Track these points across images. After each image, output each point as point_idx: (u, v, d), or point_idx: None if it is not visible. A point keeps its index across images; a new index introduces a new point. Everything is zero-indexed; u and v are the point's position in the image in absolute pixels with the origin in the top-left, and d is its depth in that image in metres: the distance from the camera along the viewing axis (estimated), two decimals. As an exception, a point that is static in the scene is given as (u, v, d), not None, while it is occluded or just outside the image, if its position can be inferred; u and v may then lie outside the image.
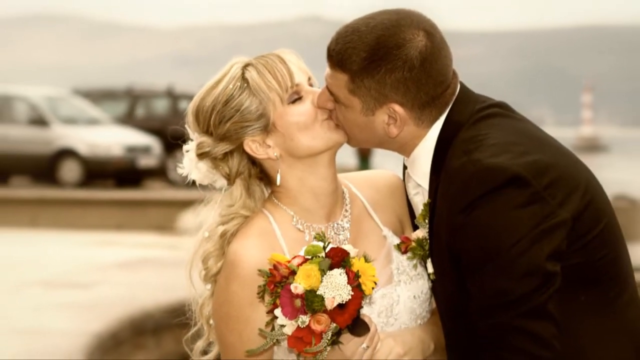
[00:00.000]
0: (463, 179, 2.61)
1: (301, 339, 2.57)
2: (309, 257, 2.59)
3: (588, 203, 2.64)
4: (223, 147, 2.83)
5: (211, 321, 2.86)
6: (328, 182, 2.83)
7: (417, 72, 2.67)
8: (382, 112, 2.71)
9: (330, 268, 2.57)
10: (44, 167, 23.35)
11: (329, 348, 2.58)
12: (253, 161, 2.85)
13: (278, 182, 2.83)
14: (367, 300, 2.67)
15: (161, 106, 27.00)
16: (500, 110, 2.75)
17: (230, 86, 2.80)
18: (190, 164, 2.88)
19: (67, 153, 23.29)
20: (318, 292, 2.55)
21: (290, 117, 2.78)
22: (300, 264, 2.58)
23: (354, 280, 2.57)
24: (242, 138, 2.81)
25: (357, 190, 2.92)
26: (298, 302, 2.56)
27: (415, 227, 2.86)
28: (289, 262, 2.60)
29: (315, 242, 2.62)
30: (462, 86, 2.77)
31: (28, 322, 10.91)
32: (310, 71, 2.85)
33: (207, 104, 2.82)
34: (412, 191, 2.86)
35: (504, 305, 2.55)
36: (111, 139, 23.57)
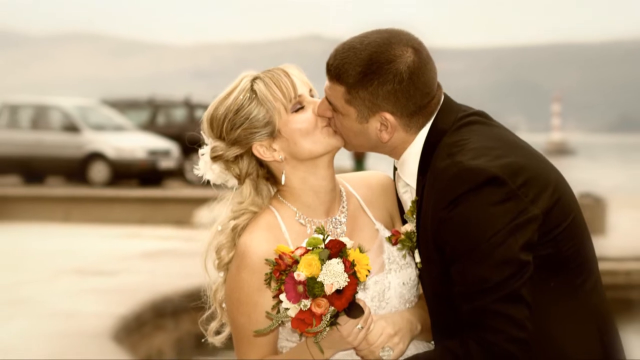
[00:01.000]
0: (447, 178, 2.61)
1: (303, 321, 2.56)
2: (310, 248, 2.59)
3: (557, 200, 2.64)
4: (234, 151, 2.82)
5: (223, 305, 2.85)
6: (327, 182, 2.83)
7: (406, 84, 2.67)
8: (375, 120, 2.71)
9: (329, 258, 2.57)
10: (75, 169, 23.35)
11: (327, 328, 2.58)
12: (260, 163, 2.84)
13: (283, 182, 2.82)
14: (362, 287, 2.67)
15: (179, 115, 27.00)
16: (480, 118, 2.75)
17: (241, 97, 2.80)
18: (205, 166, 2.88)
19: (96, 156, 23.29)
20: (318, 279, 2.54)
21: (294, 124, 2.78)
22: (303, 254, 2.58)
23: (350, 268, 2.56)
24: (251, 143, 2.80)
25: (352, 189, 2.92)
26: (300, 288, 2.56)
27: (404, 222, 2.86)
28: (292, 252, 2.59)
29: (315, 235, 2.62)
30: (446, 97, 2.76)
31: (63, 305, 10.92)
32: (311, 83, 2.84)
33: (220, 113, 2.82)
34: (401, 190, 2.85)
35: (483, 290, 2.54)
36: (135, 143, 23.56)
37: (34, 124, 24.09)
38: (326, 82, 2.74)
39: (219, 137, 2.83)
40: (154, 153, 23.50)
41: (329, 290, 2.54)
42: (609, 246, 15.99)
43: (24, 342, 9.24)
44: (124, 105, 27.09)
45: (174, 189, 23.41)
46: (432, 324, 2.76)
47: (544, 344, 2.61)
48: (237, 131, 2.80)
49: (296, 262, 2.57)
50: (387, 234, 2.84)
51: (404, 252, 2.81)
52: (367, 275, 2.58)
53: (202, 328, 2.95)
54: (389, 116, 2.69)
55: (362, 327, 2.62)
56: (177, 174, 24.18)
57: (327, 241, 2.60)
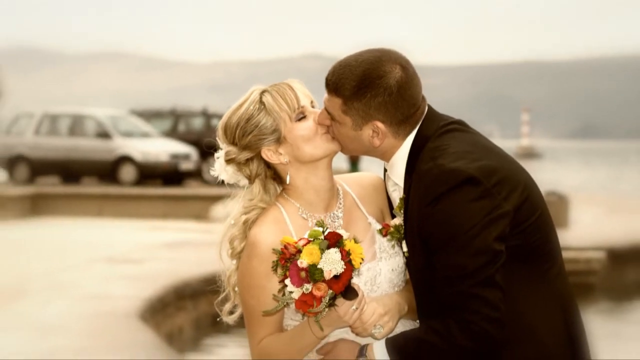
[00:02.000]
0: (430, 179, 2.61)
1: (305, 302, 2.56)
2: (311, 239, 2.58)
3: (526, 198, 2.63)
4: (245, 155, 2.82)
5: (236, 289, 2.85)
6: (326, 181, 2.82)
7: (394, 97, 2.66)
8: (368, 127, 2.70)
9: (328, 248, 2.56)
10: (107, 170, 23.33)
11: (326, 309, 2.57)
12: (268, 165, 2.84)
13: (287, 182, 2.82)
14: (356, 273, 2.66)
15: (197, 123, 26.96)
16: (459, 126, 2.74)
17: (251, 108, 2.79)
18: (220, 168, 2.87)
19: (125, 159, 23.26)
20: (318, 266, 2.54)
21: (297, 132, 2.77)
22: (305, 245, 2.57)
23: (346, 257, 2.56)
24: (260, 147, 2.80)
25: (348, 188, 2.91)
26: (303, 274, 2.55)
27: (393, 216, 2.85)
28: (296, 243, 2.59)
29: (316, 228, 2.61)
30: (429, 107, 2.76)
31: (96, 289, 10.92)
32: (312, 96, 2.84)
33: (233, 122, 2.81)
34: (390, 188, 2.85)
35: (462, 276, 2.54)
36: (159, 148, 23.55)
37: (71, 131, 24.08)
38: (325, 95, 2.74)
39: (232, 142, 2.83)
40: (175, 156, 23.49)
41: (327, 275, 2.54)
42: (571, 237, 16.00)
43: (63, 321, 9.24)
44: (149, 115, 27.07)
45: (193, 188, 23.40)
46: (417, 305, 2.75)
47: (515, 322, 2.60)
48: (248, 137, 2.79)
49: (299, 251, 2.57)
50: (378, 226, 2.84)
51: (392, 242, 2.81)
52: (360, 263, 2.57)
53: (218, 309, 2.94)
54: (380, 124, 2.69)
55: (357, 308, 2.62)
56: (196, 174, 24.16)
57: (326, 233, 2.59)
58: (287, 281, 2.56)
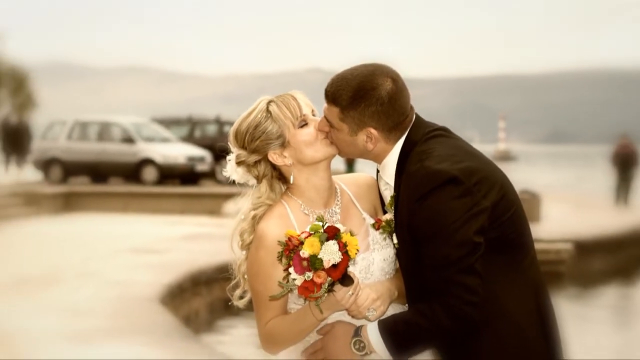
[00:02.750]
0: (417, 178, 2.60)
1: (307, 288, 2.55)
2: (312, 232, 2.58)
3: (502, 196, 2.63)
4: (254, 158, 2.81)
5: (246, 276, 2.84)
6: (325, 181, 2.82)
7: (386, 106, 2.66)
8: (362, 133, 2.70)
9: (327, 240, 2.56)
10: (131, 171, 23.30)
11: (326, 294, 2.57)
12: (274, 167, 2.83)
13: (291, 181, 2.81)
14: (352, 262, 2.66)
15: (211, 130, 26.91)
16: (443, 132, 2.74)
17: (259, 116, 2.79)
18: (231, 169, 2.86)
19: (147, 161, 23.22)
20: (319, 256, 2.53)
21: (300, 137, 2.77)
22: (306, 237, 2.57)
23: (343, 248, 2.55)
24: (267, 151, 2.79)
25: (345, 187, 2.91)
26: (305, 263, 2.55)
27: (384, 212, 2.85)
28: (298, 236, 2.58)
29: (316, 222, 2.61)
30: (417, 116, 2.75)
31: (121, 276, 10.92)
32: (313, 105, 2.83)
33: (243, 128, 2.81)
34: (382, 187, 2.84)
35: (446, 265, 2.54)
36: (177, 152, 23.51)
37: (99, 137, 24.04)
38: (324, 105, 2.73)
39: (242, 147, 2.82)
40: (191, 159, 23.47)
41: (327, 264, 2.53)
42: (542, 231, 16.00)
43: (92, 305, 9.25)
44: (168, 123, 27.03)
45: (207, 187, 23.39)
46: (406, 291, 2.75)
47: (493, 306, 2.60)
48: (256, 142, 2.79)
49: (301, 243, 2.56)
50: (372, 221, 2.83)
51: (384, 235, 2.80)
52: (356, 253, 2.57)
53: (229, 294, 2.94)
54: (373, 131, 2.68)
55: (353, 293, 2.61)
56: (210, 175, 24.13)
57: (325, 227, 2.59)
58: (291, 269, 2.56)
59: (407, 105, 2.71)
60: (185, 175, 23.39)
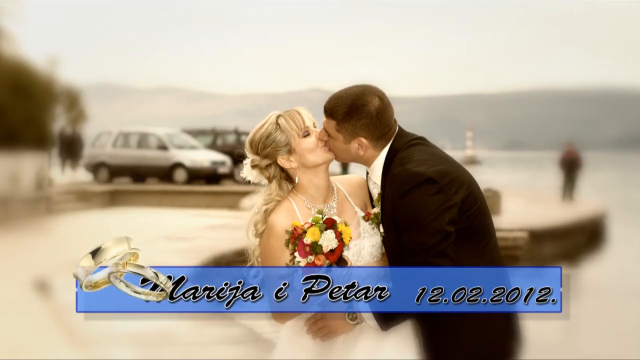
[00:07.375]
0: (400, 179, 2.60)
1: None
2: (314, 223, 2.59)
3: (469, 193, 2.63)
4: (265, 162, 2.81)
5: (259, 259, 2.85)
6: (324, 181, 2.81)
7: (374, 120, 2.66)
8: (355, 142, 2.70)
9: (326, 229, 2.57)
10: (165, 173, 23.34)
11: (325, 274, 2.58)
12: (282, 169, 2.83)
13: (296, 181, 2.81)
14: (346, 248, 2.66)
15: (231, 139, 26.90)
16: (421, 141, 2.74)
17: (270, 128, 2.79)
18: (247, 171, 2.86)
19: (178, 165, 23.27)
20: (319, 243, 2.54)
21: (303, 145, 2.77)
22: (309, 227, 2.58)
23: (339, 236, 2.56)
24: (276, 157, 2.79)
25: (340, 186, 2.90)
26: (307, 248, 2.56)
27: (373, 207, 2.85)
28: (302, 226, 2.59)
29: (317, 215, 2.62)
30: (400, 127, 2.75)
31: (156, 260, 10.87)
32: (314, 119, 2.84)
33: (257, 138, 2.81)
34: (371, 186, 2.84)
35: (423, 250, 2.53)
36: (203, 157, 23.56)
37: (139, 145, 24.04)
38: (324, 118, 2.73)
39: (256, 153, 2.82)
40: (215, 163, 23.50)
41: (325, 250, 2.54)
42: (502, 222, 16.01)
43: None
44: (195, 133, 27.04)
45: (227, 186, 23.40)
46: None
47: (462, 284, 2.60)
48: (267, 149, 2.79)
49: (305, 232, 2.57)
50: (362, 214, 2.83)
51: (373, 225, 2.80)
52: (349, 240, 2.58)
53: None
54: (363, 140, 2.68)
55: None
56: (230, 176, 24.16)
57: (324, 219, 2.60)
58: (296, 254, 2.57)
59: (391, 118, 2.71)
60: (210, 176, 23.42)
